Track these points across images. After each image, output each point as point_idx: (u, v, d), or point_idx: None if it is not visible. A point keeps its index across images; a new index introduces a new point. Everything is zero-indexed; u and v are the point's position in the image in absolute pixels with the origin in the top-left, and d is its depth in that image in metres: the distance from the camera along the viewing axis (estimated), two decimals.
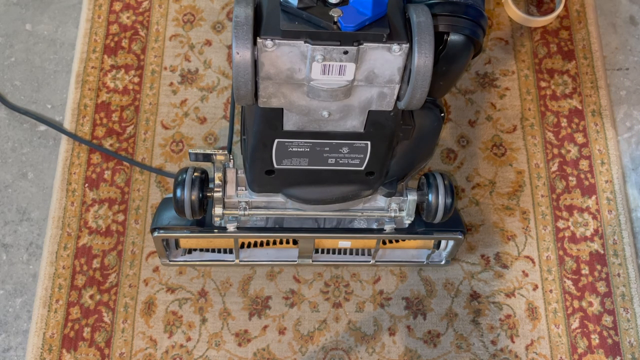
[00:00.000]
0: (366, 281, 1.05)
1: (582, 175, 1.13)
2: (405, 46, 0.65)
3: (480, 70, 1.21)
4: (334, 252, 1.03)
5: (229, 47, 1.21)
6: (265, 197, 0.89)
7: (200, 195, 0.86)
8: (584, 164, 1.14)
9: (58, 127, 1.13)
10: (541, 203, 1.11)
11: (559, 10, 1.23)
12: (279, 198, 0.88)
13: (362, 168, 0.81)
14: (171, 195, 0.88)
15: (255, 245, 1.02)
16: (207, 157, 0.87)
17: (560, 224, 1.10)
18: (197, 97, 1.16)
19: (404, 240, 1.00)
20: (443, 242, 1.01)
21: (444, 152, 1.14)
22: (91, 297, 1.02)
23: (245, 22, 0.63)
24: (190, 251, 1.02)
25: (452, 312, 1.03)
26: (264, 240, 1.01)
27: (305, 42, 0.63)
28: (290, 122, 0.73)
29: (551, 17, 1.22)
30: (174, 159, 1.12)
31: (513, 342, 1.02)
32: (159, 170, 1.10)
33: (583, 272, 1.06)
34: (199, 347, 1.00)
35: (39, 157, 1.12)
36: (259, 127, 0.74)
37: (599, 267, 1.06)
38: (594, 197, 1.11)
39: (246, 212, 0.89)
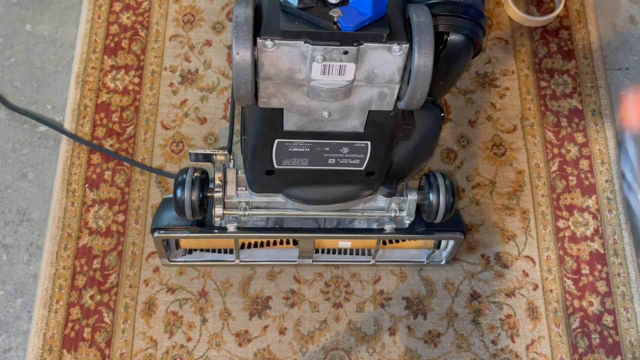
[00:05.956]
0: (366, 281, 1.05)
1: (582, 175, 1.13)
2: (405, 46, 0.65)
3: (480, 70, 1.21)
4: (334, 252, 1.03)
5: (229, 48, 1.21)
6: (266, 198, 0.89)
7: (201, 195, 0.86)
8: (584, 164, 1.14)
9: (58, 128, 1.13)
10: (541, 203, 1.11)
11: (559, 10, 1.23)
12: (279, 198, 0.88)
13: (362, 168, 0.81)
14: (171, 195, 0.88)
15: (255, 245, 1.02)
16: (207, 157, 0.87)
17: (561, 223, 1.10)
18: (197, 98, 1.16)
19: (404, 240, 1.00)
20: (443, 242, 1.01)
21: (444, 152, 1.14)
22: (91, 297, 1.02)
23: (245, 22, 0.63)
24: (190, 251, 1.02)
25: (453, 312, 1.03)
26: (264, 240, 1.01)
27: (305, 42, 0.63)
28: (290, 122, 0.73)
29: (551, 16, 1.22)
30: (174, 159, 1.12)
31: (513, 341, 1.02)
32: (159, 171, 1.10)
33: (583, 271, 1.06)
34: (199, 348, 1.00)
35: (39, 157, 1.12)
36: (259, 127, 0.74)
37: (599, 266, 1.06)
38: (594, 197, 1.11)
39: (246, 213, 0.89)
